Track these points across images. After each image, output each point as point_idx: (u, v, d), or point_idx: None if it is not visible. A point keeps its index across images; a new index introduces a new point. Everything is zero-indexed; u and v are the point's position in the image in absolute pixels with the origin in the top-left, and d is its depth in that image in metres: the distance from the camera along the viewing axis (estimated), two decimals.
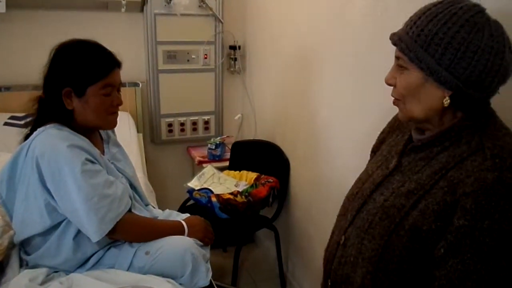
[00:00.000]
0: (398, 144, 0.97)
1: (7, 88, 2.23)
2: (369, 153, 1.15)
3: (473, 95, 0.79)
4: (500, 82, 0.79)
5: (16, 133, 1.30)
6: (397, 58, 0.84)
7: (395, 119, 1.06)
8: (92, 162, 1.15)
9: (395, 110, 0.96)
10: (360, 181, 1.01)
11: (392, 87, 0.88)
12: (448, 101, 0.80)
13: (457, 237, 0.74)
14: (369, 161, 1.12)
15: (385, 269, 0.85)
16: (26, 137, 1.20)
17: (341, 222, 1.01)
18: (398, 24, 1.29)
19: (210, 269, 1.25)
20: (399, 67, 0.84)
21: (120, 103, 1.24)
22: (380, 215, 0.86)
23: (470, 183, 0.74)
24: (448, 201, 0.76)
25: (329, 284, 1.00)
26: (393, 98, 0.90)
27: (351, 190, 1.03)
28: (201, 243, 1.27)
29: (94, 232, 1.09)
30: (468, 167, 0.76)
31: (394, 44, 0.84)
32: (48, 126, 1.16)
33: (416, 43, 0.79)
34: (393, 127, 1.05)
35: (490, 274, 0.73)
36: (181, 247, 1.19)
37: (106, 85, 1.17)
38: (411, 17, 0.84)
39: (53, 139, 1.12)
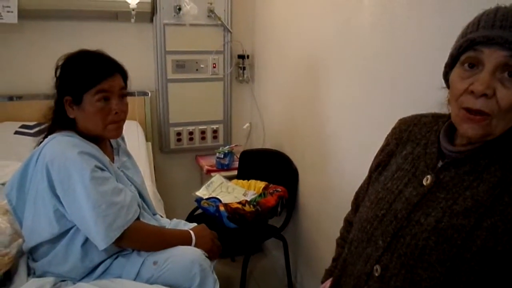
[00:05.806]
0: (422, 158, 0.89)
1: (19, 97, 2.27)
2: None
3: None
4: None
5: (27, 141, 1.31)
6: (503, 65, 0.72)
7: (401, 130, 0.97)
8: (101, 169, 1.15)
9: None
10: (383, 200, 0.89)
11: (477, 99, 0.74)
12: None
13: None
14: (376, 175, 0.98)
15: None
16: (39, 144, 1.21)
17: (366, 249, 0.89)
18: (406, 32, 1.30)
19: (217, 280, 1.24)
20: (508, 76, 0.72)
21: (121, 110, 1.19)
22: (436, 238, 0.78)
23: None
24: None
25: None
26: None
27: (372, 211, 0.91)
28: (206, 254, 1.26)
29: (101, 240, 1.09)
30: None
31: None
32: (58, 133, 1.17)
33: None
34: (401, 139, 0.96)
35: None
36: (189, 259, 1.18)
37: (99, 91, 1.15)
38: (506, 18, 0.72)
39: (63, 146, 1.13)
